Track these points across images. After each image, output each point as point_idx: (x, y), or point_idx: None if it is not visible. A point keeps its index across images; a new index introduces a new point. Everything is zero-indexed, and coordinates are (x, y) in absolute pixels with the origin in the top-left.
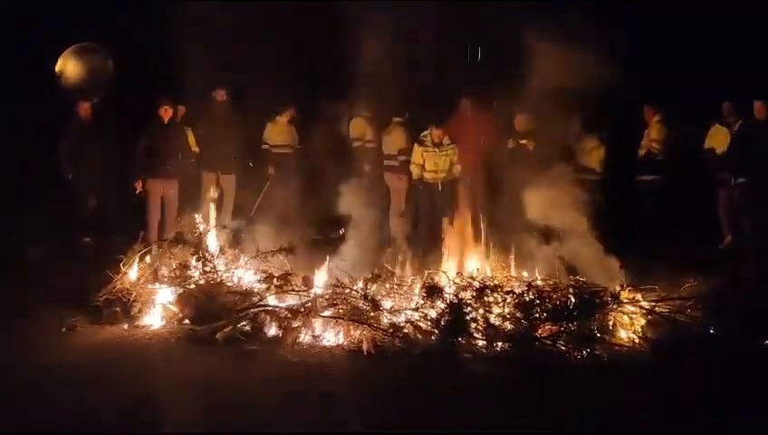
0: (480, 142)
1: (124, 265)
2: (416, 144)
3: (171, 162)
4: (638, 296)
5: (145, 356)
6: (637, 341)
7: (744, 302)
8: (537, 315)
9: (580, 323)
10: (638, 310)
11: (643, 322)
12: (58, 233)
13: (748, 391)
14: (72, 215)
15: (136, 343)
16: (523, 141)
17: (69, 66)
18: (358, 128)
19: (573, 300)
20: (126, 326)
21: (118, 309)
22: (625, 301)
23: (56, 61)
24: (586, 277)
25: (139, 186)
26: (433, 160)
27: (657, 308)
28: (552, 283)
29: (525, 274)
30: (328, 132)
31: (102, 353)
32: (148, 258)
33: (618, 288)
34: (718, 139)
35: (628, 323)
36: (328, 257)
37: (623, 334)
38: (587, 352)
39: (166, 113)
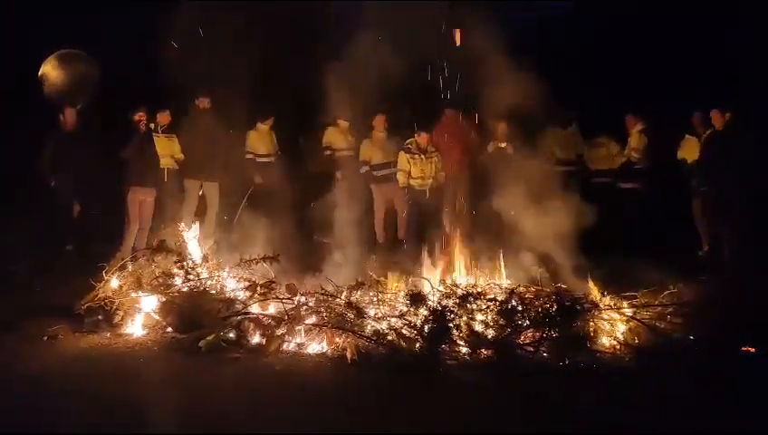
0: (464, 150)
1: (107, 273)
2: (401, 151)
3: (147, 170)
4: (619, 303)
5: (128, 365)
6: (618, 347)
7: (724, 308)
8: (519, 322)
9: (562, 329)
10: (618, 316)
11: (624, 328)
12: (41, 240)
13: (727, 397)
14: (56, 222)
15: (118, 352)
16: (502, 145)
17: (52, 72)
18: (326, 137)
19: (555, 307)
20: (108, 335)
21: (100, 317)
22: (605, 307)
23: (40, 66)
24: (567, 284)
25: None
26: (419, 167)
27: (637, 315)
28: (534, 290)
29: (508, 281)
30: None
31: (84, 362)
32: (130, 266)
33: (598, 295)
34: (688, 149)
35: (609, 330)
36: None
37: (604, 341)
38: (569, 358)
39: (140, 120)
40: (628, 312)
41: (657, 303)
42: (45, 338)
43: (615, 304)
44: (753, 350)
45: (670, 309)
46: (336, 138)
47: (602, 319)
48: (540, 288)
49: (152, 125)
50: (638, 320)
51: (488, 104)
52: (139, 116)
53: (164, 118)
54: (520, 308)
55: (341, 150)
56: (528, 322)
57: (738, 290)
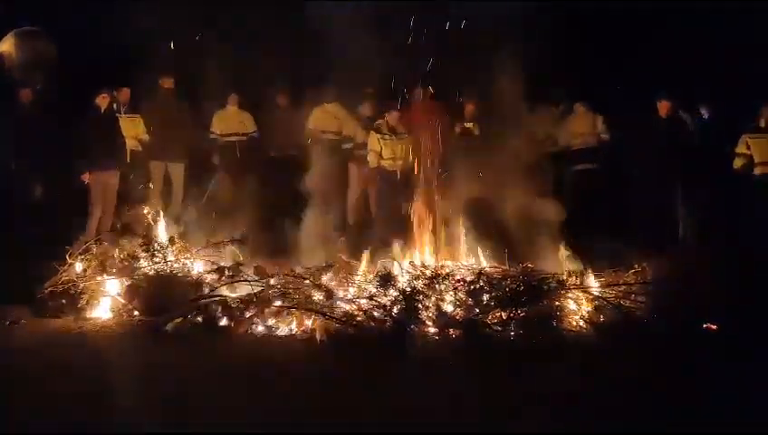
0: (435, 131)
1: (70, 257)
2: (372, 131)
3: (110, 152)
4: (585, 282)
5: (93, 349)
6: (583, 325)
7: (685, 287)
8: (487, 302)
9: (529, 309)
10: (584, 296)
11: (589, 307)
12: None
13: (690, 376)
14: (16, 204)
15: (83, 336)
16: (468, 126)
17: (10, 50)
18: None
19: (522, 287)
20: (73, 319)
21: (64, 301)
22: (571, 287)
23: None
24: (534, 264)
25: (86, 177)
26: (390, 148)
27: (602, 294)
28: (501, 270)
29: (473, 261)
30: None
31: (48, 347)
32: (94, 249)
33: (564, 275)
34: None
35: (576, 309)
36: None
37: (570, 319)
38: (536, 337)
39: (103, 101)
40: (594, 291)
41: (621, 282)
42: (7, 323)
43: (581, 284)
44: (714, 327)
45: (635, 288)
46: (318, 120)
47: (569, 298)
48: (507, 268)
49: (115, 105)
50: (603, 299)
51: (460, 84)
52: (102, 97)
53: (124, 95)
54: (488, 288)
55: (326, 133)
56: (496, 302)
57: (698, 268)
